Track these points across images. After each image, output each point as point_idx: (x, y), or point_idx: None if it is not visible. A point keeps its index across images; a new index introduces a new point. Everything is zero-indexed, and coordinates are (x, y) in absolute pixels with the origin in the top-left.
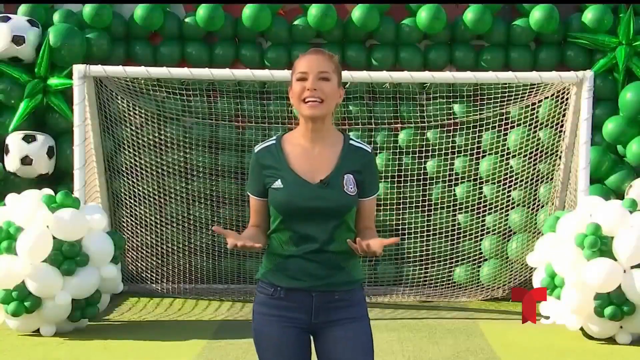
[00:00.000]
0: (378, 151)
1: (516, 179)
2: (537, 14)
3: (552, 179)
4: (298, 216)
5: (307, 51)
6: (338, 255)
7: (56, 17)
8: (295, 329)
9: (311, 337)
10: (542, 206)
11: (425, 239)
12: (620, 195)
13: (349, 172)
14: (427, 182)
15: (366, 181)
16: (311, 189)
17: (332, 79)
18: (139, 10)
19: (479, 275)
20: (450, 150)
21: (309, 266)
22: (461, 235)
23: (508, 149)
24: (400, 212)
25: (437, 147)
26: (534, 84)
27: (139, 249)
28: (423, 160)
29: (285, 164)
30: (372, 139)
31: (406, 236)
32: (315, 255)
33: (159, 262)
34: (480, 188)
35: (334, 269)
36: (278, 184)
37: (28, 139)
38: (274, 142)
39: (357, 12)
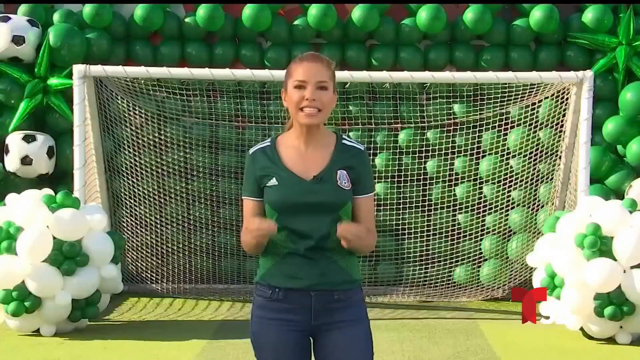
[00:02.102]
0: (378, 151)
1: (516, 179)
2: (537, 14)
3: (552, 179)
4: (293, 212)
5: (303, 56)
6: (335, 253)
7: (56, 17)
8: (294, 332)
9: (311, 340)
10: (542, 206)
11: (425, 239)
12: (620, 195)
13: (341, 168)
14: (427, 182)
15: (360, 177)
16: (305, 184)
17: (329, 88)
18: (139, 10)
19: (479, 275)
20: (450, 150)
21: (306, 263)
22: (461, 235)
23: (508, 149)
24: (400, 212)
25: (437, 147)
26: (534, 84)
27: (139, 249)
28: (423, 160)
29: (280, 163)
30: (372, 139)
31: (406, 236)
32: (313, 253)
33: (159, 262)
34: (480, 188)
35: (331, 267)
36: (273, 181)
37: (28, 139)
38: (268, 143)
39: (357, 12)
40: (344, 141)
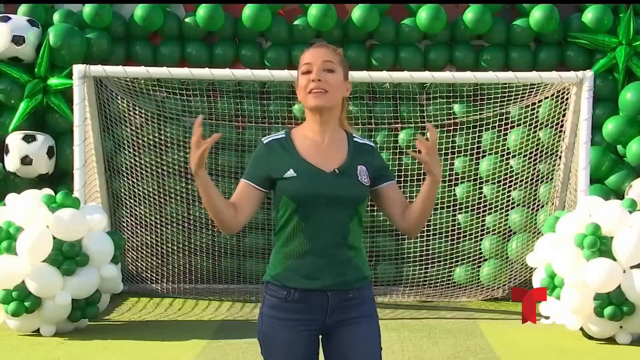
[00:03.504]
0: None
1: (516, 179)
2: (537, 14)
3: (552, 179)
4: (313, 205)
5: (309, 46)
6: (351, 251)
7: (56, 17)
8: (306, 332)
9: (320, 338)
10: (542, 206)
11: (425, 239)
12: (620, 195)
13: (361, 164)
14: None
15: (380, 169)
16: (327, 177)
17: (337, 71)
18: (139, 10)
19: (479, 275)
20: (450, 150)
21: (323, 263)
22: (461, 235)
23: (508, 149)
24: None
25: (437, 147)
26: (534, 84)
27: (139, 249)
28: None
29: (296, 153)
30: (372, 139)
31: (406, 236)
32: (329, 250)
33: (159, 262)
34: (480, 188)
35: (348, 265)
36: (290, 172)
37: (28, 139)
38: (283, 135)
39: (357, 12)
40: (356, 139)
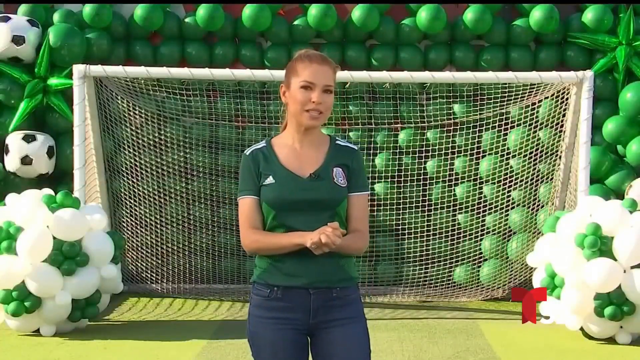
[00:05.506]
0: (378, 151)
1: (516, 179)
2: (537, 14)
3: (552, 179)
4: (290, 210)
5: (310, 55)
6: (333, 251)
7: (56, 17)
8: (291, 331)
9: (308, 339)
10: (542, 206)
11: (425, 239)
12: (620, 195)
13: (337, 166)
14: (427, 182)
15: (354, 175)
16: (302, 182)
17: (332, 90)
18: (139, 10)
19: (479, 275)
20: (450, 150)
21: (305, 261)
22: (461, 235)
23: (508, 149)
24: (400, 212)
25: (437, 147)
26: (534, 84)
27: (139, 249)
28: (423, 160)
29: (276, 161)
30: (372, 139)
31: (406, 236)
32: (311, 250)
33: (159, 262)
34: (480, 188)
35: (330, 265)
36: (270, 180)
37: (28, 139)
38: (264, 144)
39: (357, 12)
40: (338, 142)
